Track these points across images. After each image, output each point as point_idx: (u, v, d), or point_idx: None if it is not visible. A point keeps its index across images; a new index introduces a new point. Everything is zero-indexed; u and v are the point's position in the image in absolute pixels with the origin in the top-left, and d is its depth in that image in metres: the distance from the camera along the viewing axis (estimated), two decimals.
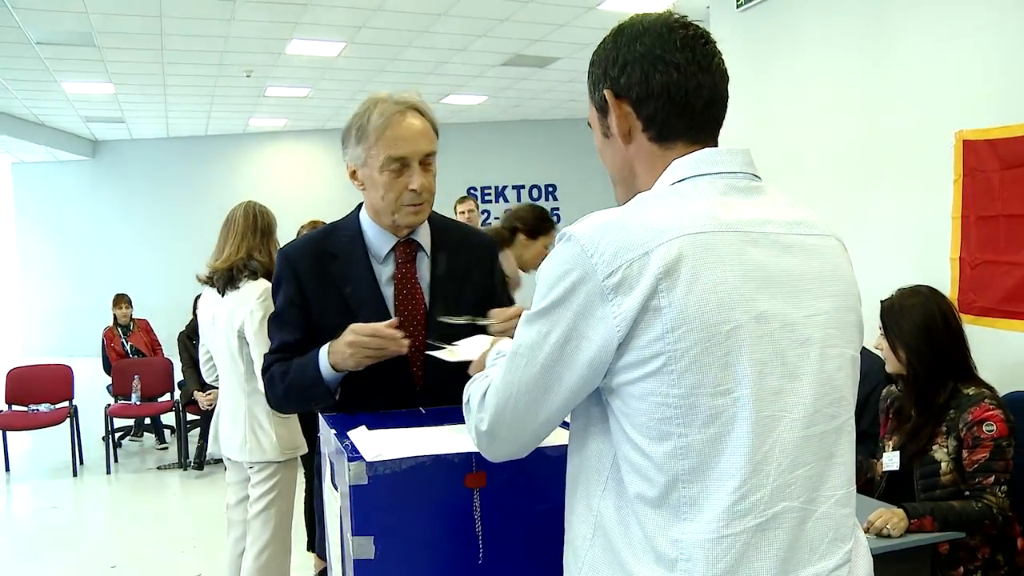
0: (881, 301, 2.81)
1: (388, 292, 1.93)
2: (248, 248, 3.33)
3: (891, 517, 2.43)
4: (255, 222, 3.38)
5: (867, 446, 2.87)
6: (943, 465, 2.59)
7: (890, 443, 2.77)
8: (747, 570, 1.08)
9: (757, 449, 1.08)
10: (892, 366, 2.79)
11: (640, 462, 1.11)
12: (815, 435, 1.14)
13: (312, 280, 1.93)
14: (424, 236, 1.99)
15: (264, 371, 1.98)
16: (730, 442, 1.08)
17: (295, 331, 1.93)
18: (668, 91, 1.19)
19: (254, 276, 3.30)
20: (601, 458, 1.17)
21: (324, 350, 1.84)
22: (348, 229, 1.99)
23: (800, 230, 1.20)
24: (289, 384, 1.89)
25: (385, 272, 1.95)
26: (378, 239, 1.96)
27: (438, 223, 2.04)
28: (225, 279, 3.32)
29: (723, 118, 1.25)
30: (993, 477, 2.51)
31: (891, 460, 2.71)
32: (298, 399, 1.95)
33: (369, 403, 1.82)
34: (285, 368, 1.91)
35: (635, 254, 1.07)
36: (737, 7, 5.21)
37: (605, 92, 1.24)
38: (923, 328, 2.68)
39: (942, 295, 2.82)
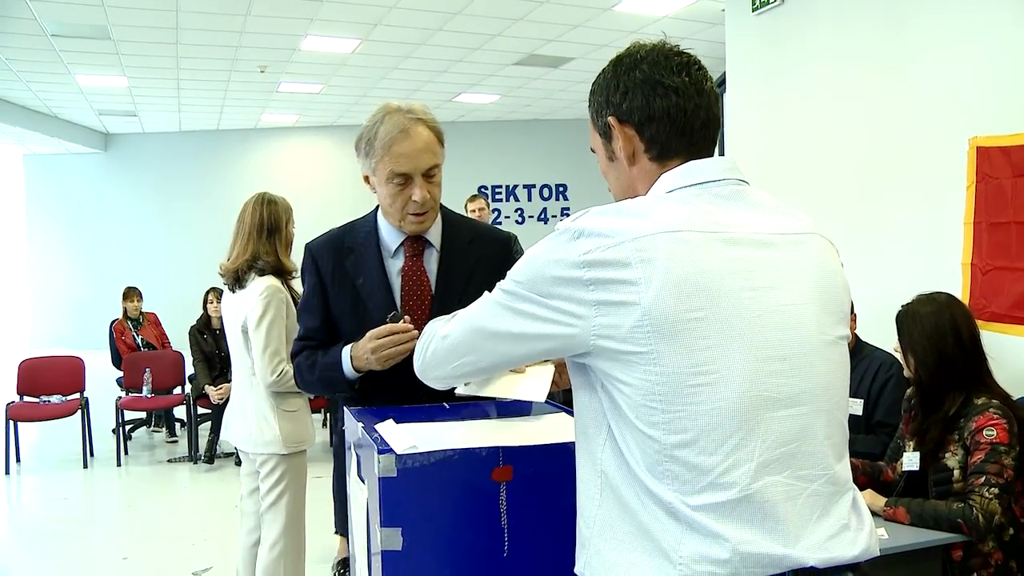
0: (902, 305, 2.83)
1: (397, 284, 2.08)
2: (253, 252, 3.36)
3: (870, 497, 2.62)
4: (261, 221, 3.40)
5: (881, 437, 2.89)
6: (955, 473, 2.61)
7: (910, 444, 2.79)
8: (738, 535, 1.13)
9: (739, 427, 1.15)
10: (907, 370, 2.82)
11: (632, 435, 1.17)
12: (799, 415, 1.19)
13: (330, 272, 2.11)
14: (435, 233, 2.12)
15: (292, 356, 2.18)
16: (711, 419, 1.14)
17: (315, 318, 2.13)
18: (669, 113, 1.28)
19: (261, 273, 3.36)
20: (599, 423, 1.24)
21: (347, 355, 1.98)
22: (365, 226, 2.15)
23: (780, 229, 1.26)
24: (317, 378, 2.09)
25: (395, 265, 2.09)
26: (390, 235, 2.11)
27: (450, 220, 2.16)
28: (233, 279, 3.40)
29: (716, 137, 1.34)
30: (983, 479, 2.50)
31: (911, 460, 2.73)
32: (324, 390, 2.18)
33: (382, 390, 1.97)
34: (311, 361, 2.10)
35: (612, 242, 1.16)
36: (752, 10, 5.23)
37: (609, 119, 1.32)
38: (931, 337, 2.70)
39: (959, 304, 2.81)
